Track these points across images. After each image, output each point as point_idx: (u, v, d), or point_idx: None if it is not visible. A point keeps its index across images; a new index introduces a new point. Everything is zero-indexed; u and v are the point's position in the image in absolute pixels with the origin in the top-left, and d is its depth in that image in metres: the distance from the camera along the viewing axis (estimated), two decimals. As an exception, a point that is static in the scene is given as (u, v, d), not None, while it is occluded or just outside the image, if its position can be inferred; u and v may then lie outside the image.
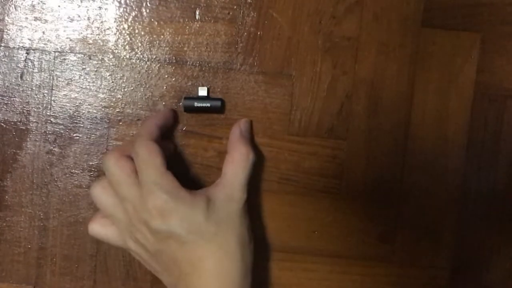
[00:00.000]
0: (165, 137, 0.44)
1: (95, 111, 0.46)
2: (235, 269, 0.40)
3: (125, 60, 0.45)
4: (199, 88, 0.45)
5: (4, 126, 0.46)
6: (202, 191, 0.40)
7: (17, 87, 0.45)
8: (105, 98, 0.45)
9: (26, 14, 0.45)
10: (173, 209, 0.38)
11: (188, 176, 0.46)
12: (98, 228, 0.42)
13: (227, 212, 0.40)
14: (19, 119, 0.46)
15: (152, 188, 0.38)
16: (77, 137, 0.46)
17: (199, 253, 0.39)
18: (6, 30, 0.45)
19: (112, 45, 0.45)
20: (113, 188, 0.40)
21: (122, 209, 0.40)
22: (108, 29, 0.45)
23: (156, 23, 0.45)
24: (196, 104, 0.44)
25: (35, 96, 0.45)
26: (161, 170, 0.39)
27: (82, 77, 0.45)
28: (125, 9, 0.45)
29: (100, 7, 0.45)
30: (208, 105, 0.44)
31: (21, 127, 0.46)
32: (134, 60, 0.45)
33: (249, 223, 0.42)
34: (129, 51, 0.45)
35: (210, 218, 0.39)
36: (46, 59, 0.45)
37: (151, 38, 0.45)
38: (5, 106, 0.45)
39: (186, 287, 0.39)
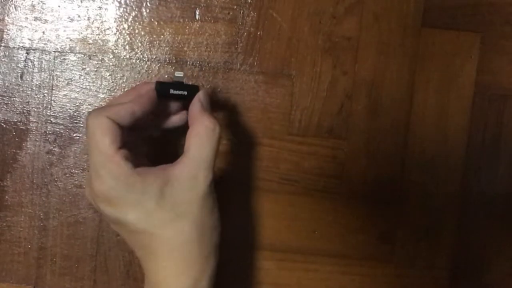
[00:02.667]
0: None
1: (95, 111, 0.46)
2: (193, 256, 0.37)
3: (125, 60, 0.45)
4: (176, 72, 0.40)
5: (4, 126, 0.46)
6: (159, 172, 0.36)
7: (17, 87, 0.45)
8: (105, 98, 0.45)
9: (26, 14, 0.45)
10: (120, 197, 0.35)
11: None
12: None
13: (188, 194, 0.36)
14: (19, 119, 0.46)
15: (99, 171, 0.35)
16: (77, 137, 0.46)
17: (150, 241, 0.36)
18: (6, 30, 0.45)
19: (112, 45, 0.45)
20: None
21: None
22: (108, 29, 0.45)
23: (156, 23, 0.45)
24: (172, 91, 0.39)
25: (35, 96, 0.45)
26: (109, 151, 0.35)
27: (82, 77, 0.45)
28: (125, 9, 0.45)
29: (100, 7, 0.45)
30: (185, 93, 0.39)
31: (21, 127, 0.46)
32: (134, 60, 0.45)
33: (214, 205, 0.38)
34: (129, 51, 0.45)
35: (164, 204, 0.35)
36: (46, 59, 0.45)
37: (151, 38, 0.45)
38: (5, 106, 0.45)
39: (144, 268, 0.38)
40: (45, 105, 0.45)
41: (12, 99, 0.45)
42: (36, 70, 0.45)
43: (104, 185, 0.35)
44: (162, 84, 0.39)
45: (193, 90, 0.39)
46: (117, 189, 0.35)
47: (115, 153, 0.35)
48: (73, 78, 0.45)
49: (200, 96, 0.39)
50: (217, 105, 0.45)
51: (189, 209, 0.36)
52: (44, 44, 0.45)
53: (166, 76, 0.44)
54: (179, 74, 0.40)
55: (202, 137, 0.37)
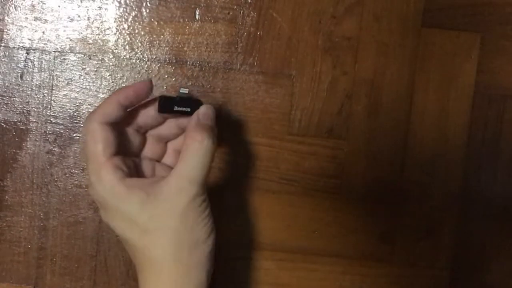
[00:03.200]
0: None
1: (95, 111, 0.46)
2: (173, 271, 0.36)
3: (125, 60, 0.45)
4: (181, 88, 0.39)
5: (4, 126, 0.46)
6: (146, 184, 0.36)
7: (17, 87, 0.45)
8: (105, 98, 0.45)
9: (26, 14, 0.45)
10: (108, 204, 0.36)
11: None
12: None
13: (168, 208, 0.36)
14: (19, 119, 0.46)
15: (91, 178, 0.36)
16: (77, 137, 0.46)
17: (135, 251, 0.37)
18: (6, 30, 0.45)
19: (112, 45, 0.45)
20: None
21: None
22: (108, 29, 0.45)
23: (156, 23, 0.45)
24: (176, 108, 0.38)
25: (35, 96, 0.45)
26: (100, 159, 0.36)
27: (82, 77, 0.45)
28: (125, 9, 0.45)
29: (100, 7, 0.45)
30: (189, 109, 0.39)
31: (21, 127, 0.46)
32: (134, 60, 0.45)
33: (199, 221, 0.37)
34: (129, 51, 0.45)
35: (143, 215, 0.36)
36: (46, 59, 0.45)
37: (151, 38, 0.45)
38: (5, 106, 0.45)
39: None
40: (45, 105, 0.45)
41: (12, 99, 0.45)
42: (36, 70, 0.45)
43: (93, 191, 0.36)
44: (166, 100, 0.38)
45: (197, 105, 0.39)
46: (104, 197, 0.36)
47: (106, 161, 0.36)
48: (73, 78, 0.45)
49: (200, 111, 0.39)
50: (217, 105, 0.45)
51: (166, 223, 0.36)
52: (44, 44, 0.45)
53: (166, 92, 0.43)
54: (184, 90, 0.39)
55: (189, 151, 0.36)
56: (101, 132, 0.36)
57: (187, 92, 0.39)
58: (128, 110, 0.38)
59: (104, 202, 0.36)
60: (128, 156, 0.39)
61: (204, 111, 0.39)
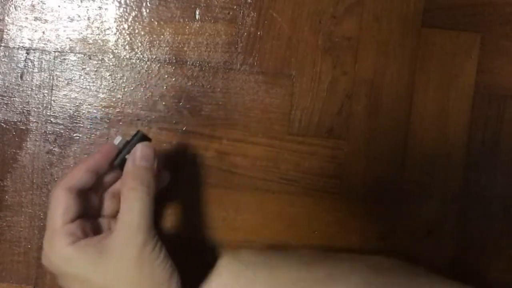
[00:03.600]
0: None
1: (95, 111, 0.46)
2: None
3: (125, 60, 0.45)
4: (115, 139, 0.39)
5: (4, 126, 0.46)
6: (97, 243, 0.36)
7: (17, 87, 0.45)
8: (105, 98, 0.45)
9: (26, 14, 0.45)
10: (61, 270, 0.36)
11: (188, 176, 0.46)
12: None
13: (121, 259, 0.35)
14: (19, 119, 0.46)
15: (44, 246, 0.37)
16: (77, 137, 0.46)
17: None
18: (6, 30, 0.45)
19: (112, 45, 0.45)
20: None
21: None
22: (108, 29, 0.45)
23: (156, 23, 0.45)
24: (127, 155, 0.38)
25: (35, 96, 0.45)
26: (56, 226, 0.36)
27: (82, 77, 0.45)
28: (125, 9, 0.45)
29: (100, 7, 0.45)
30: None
31: (21, 127, 0.46)
32: (134, 60, 0.45)
33: (157, 264, 0.36)
34: (129, 51, 0.45)
35: (98, 272, 0.35)
36: (46, 59, 0.45)
37: (151, 38, 0.45)
38: (5, 106, 0.45)
39: None
40: (45, 105, 0.45)
41: (12, 99, 0.45)
42: (36, 70, 0.45)
43: (46, 260, 0.37)
44: (118, 158, 0.38)
45: (135, 144, 0.38)
46: (57, 263, 0.36)
47: (61, 228, 0.36)
48: (73, 78, 0.45)
49: (135, 153, 0.38)
50: (217, 105, 0.45)
51: (123, 275, 0.35)
52: (44, 44, 0.45)
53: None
54: (118, 139, 0.39)
55: (126, 201, 0.36)
56: (64, 198, 0.36)
57: (121, 139, 0.39)
58: (100, 175, 0.39)
59: (58, 268, 0.36)
60: (88, 218, 0.39)
61: (139, 153, 0.37)
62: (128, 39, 0.45)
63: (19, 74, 0.45)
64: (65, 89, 0.45)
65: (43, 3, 0.45)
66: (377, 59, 0.45)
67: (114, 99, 0.45)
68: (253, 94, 0.45)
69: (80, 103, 0.46)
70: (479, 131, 0.46)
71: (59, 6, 0.45)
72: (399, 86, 0.46)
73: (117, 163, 0.38)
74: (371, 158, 0.46)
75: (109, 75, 0.45)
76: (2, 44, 0.45)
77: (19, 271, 0.46)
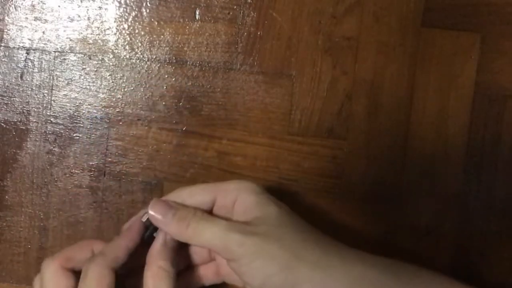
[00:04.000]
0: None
1: (95, 111, 0.46)
2: None
3: (125, 60, 0.45)
4: (144, 216, 0.38)
5: (4, 126, 0.46)
6: None
7: (17, 87, 0.45)
8: (105, 98, 0.45)
9: (26, 14, 0.45)
10: None
11: (188, 176, 0.46)
12: None
13: None
14: (19, 119, 0.46)
15: None
16: (77, 137, 0.46)
17: None
18: (6, 30, 0.45)
19: (112, 45, 0.45)
20: None
21: None
22: (108, 29, 0.45)
23: (156, 23, 0.45)
24: (155, 233, 0.38)
25: (35, 96, 0.45)
26: None
27: (82, 77, 0.45)
28: (125, 9, 0.45)
29: (100, 7, 0.45)
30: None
31: (21, 127, 0.46)
32: (134, 60, 0.45)
33: None
34: (129, 51, 0.45)
35: None
36: (46, 59, 0.45)
37: (151, 38, 0.45)
38: (5, 106, 0.45)
39: None
40: (45, 105, 0.45)
41: (12, 99, 0.45)
42: (36, 70, 0.45)
43: None
44: (146, 235, 0.38)
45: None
46: None
47: None
48: (73, 78, 0.45)
49: (163, 232, 0.37)
50: (217, 105, 0.45)
51: None
52: (44, 44, 0.45)
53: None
54: (145, 217, 0.38)
55: (155, 278, 0.35)
56: (110, 278, 0.35)
57: (148, 217, 0.38)
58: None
59: None
60: None
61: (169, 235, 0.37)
62: (128, 39, 0.45)
63: (19, 74, 0.45)
64: (65, 89, 0.45)
65: (43, 3, 0.45)
66: (377, 59, 0.45)
67: (114, 99, 0.45)
68: (253, 94, 0.45)
69: (80, 103, 0.46)
70: (479, 131, 0.46)
71: (59, 6, 0.45)
72: (399, 86, 0.46)
73: (146, 240, 0.38)
74: (371, 158, 0.46)
75: (109, 75, 0.45)
76: (2, 44, 0.45)
77: (19, 271, 0.46)
